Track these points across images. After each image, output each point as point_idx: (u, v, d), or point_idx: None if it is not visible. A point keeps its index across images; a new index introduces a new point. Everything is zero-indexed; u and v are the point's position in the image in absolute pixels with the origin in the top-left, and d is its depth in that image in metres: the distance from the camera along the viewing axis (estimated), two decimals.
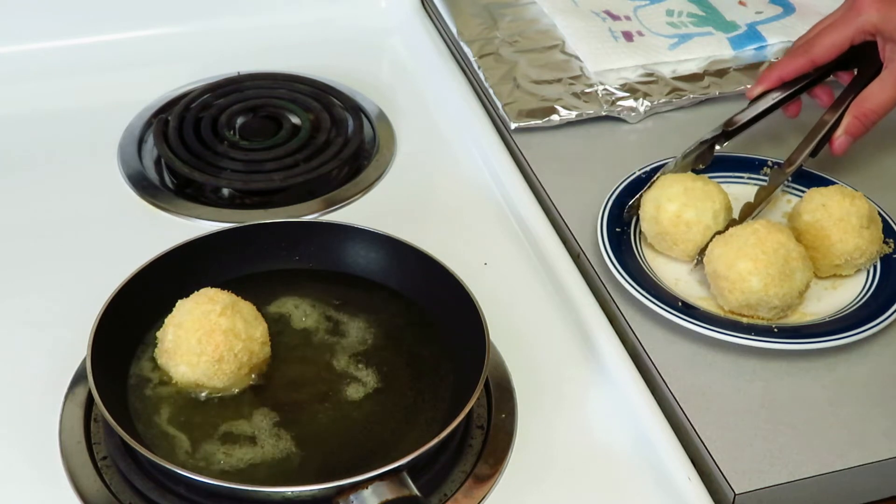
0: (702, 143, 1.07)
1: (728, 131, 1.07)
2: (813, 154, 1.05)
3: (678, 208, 0.97)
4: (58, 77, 1.23)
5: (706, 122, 1.10)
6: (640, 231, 1.02)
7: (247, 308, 0.88)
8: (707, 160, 1.07)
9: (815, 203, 0.97)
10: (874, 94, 1.03)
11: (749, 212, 1.01)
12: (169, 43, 1.28)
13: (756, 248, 0.91)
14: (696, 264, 0.98)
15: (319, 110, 1.18)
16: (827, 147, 1.06)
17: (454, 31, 1.28)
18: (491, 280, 0.99)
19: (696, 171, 1.06)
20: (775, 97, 1.07)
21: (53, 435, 0.85)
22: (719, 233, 0.96)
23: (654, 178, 1.02)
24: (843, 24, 1.04)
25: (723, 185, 1.07)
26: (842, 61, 1.07)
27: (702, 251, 0.97)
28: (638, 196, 1.01)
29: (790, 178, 1.05)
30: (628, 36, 1.25)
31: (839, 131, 1.04)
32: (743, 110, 1.08)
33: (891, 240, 1.00)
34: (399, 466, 0.78)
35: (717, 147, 1.07)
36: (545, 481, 0.85)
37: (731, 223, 0.98)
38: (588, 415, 0.90)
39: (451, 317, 0.91)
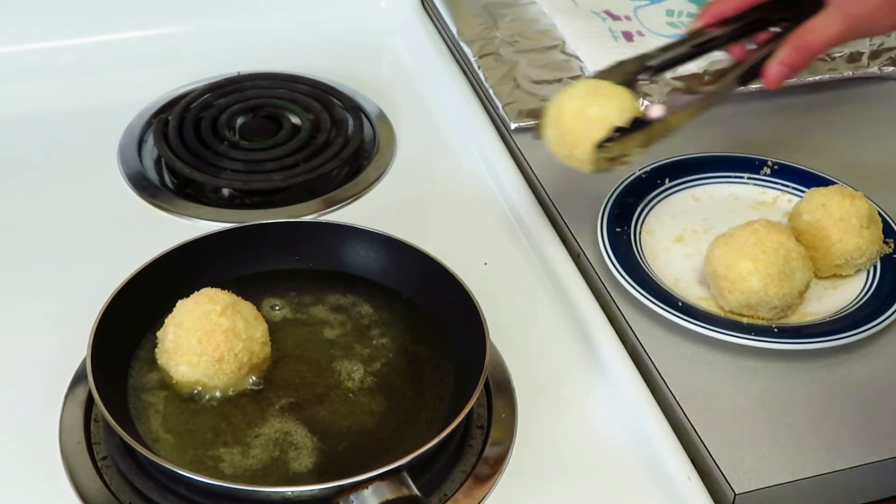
0: (620, 63, 0.96)
1: (653, 65, 0.96)
2: (743, 81, 0.95)
3: (580, 104, 0.91)
4: (58, 77, 1.23)
5: (706, 122, 1.10)
6: (641, 231, 1.02)
7: (247, 308, 0.88)
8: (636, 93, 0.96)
9: (815, 203, 0.97)
10: (817, 27, 0.93)
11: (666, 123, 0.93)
12: (169, 43, 1.29)
13: (756, 248, 0.91)
14: (595, 164, 0.91)
15: (319, 110, 1.18)
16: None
17: (454, 31, 1.28)
18: (491, 280, 0.99)
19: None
20: (713, 34, 0.96)
21: (53, 435, 0.85)
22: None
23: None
24: None
25: (723, 185, 1.08)
26: (785, 5, 0.97)
27: (600, 146, 0.90)
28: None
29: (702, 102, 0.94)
30: (628, 36, 1.25)
31: (773, 60, 0.94)
32: (674, 44, 0.97)
33: (891, 240, 1.00)
34: (399, 466, 0.78)
35: (647, 81, 0.99)
36: (545, 481, 0.85)
37: (635, 123, 0.91)
38: (588, 415, 0.90)
39: (451, 317, 0.91)
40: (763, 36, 0.98)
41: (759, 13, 0.98)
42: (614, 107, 0.90)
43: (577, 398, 0.92)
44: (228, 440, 0.84)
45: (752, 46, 0.97)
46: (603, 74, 0.95)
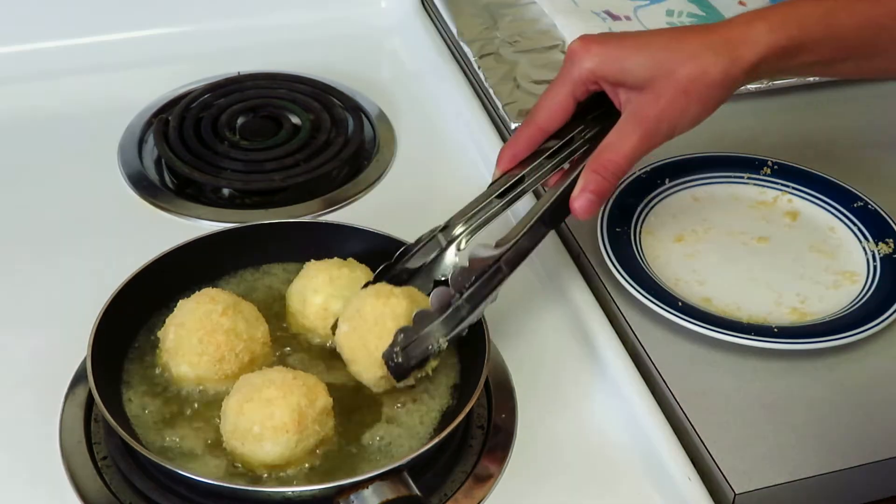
0: (417, 252, 0.88)
1: (463, 233, 0.88)
2: (548, 223, 0.88)
3: (324, 300, 0.88)
4: (58, 77, 1.23)
5: (706, 122, 1.10)
6: (641, 231, 1.02)
7: (248, 308, 0.88)
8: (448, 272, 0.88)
9: (351, 309, 0.86)
10: (613, 144, 0.86)
11: None
12: (169, 43, 1.28)
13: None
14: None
15: (319, 110, 1.18)
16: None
17: (454, 31, 1.28)
18: None
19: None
20: (517, 176, 0.89)
21: (53, 435, 0.85)
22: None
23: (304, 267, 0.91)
24: (560, 82, 0.89)
25: (723, 185, 1.07)
26: (601, 111, 0.90)
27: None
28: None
29: (508, 266, 0.86)
30: None
31: (576, 190, 0.86)
32: (478, 200, 0.90)
33: (891, 240, 1.00)
34: (399, 466, 0.78)
35: (459, 250, 0.88)
36: (545, 481, 0.85)
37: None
38: (588, 414, 0.90)
39: None
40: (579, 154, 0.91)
41: (560, 135, 0.91)
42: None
43: (577, 398, 0.92)
44: None
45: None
46: (397, 274, 0.89)
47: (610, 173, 0.86)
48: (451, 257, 0.89)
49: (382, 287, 0.86)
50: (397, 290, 0.85)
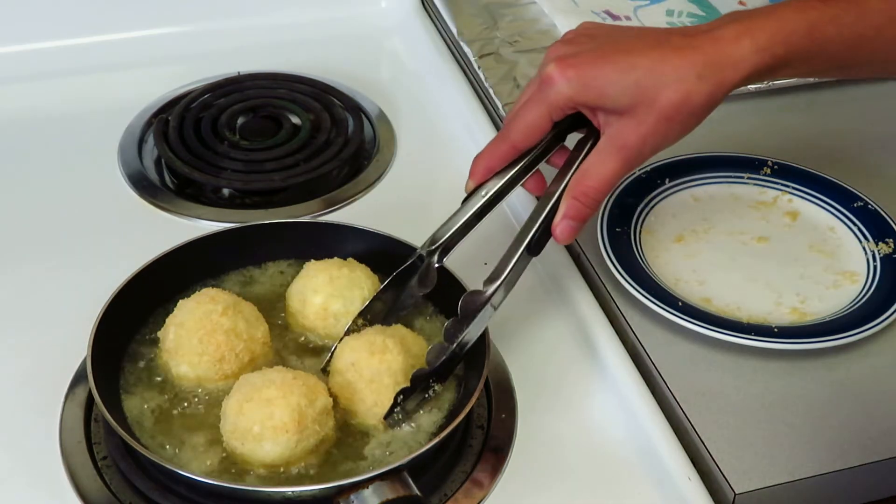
0: (401, 272, 0.90)
1: (440, 247, 0.89)
2: (533, 251, 0.88)
3: (324, 300, 0.89)
4: (58, 77, 1.23)
5: (706, 122, 1.10)
6: (641, 231, 1.02)
7: (248, 308, 0.88)
8: (428, 285, 0.90)
9: (345, 361, 0.85)
10: (593, 168, 0.86)
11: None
12: (169, 43, 1.29)
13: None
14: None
15: (319, 110, 1.18)
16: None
17: (454, 31, 1.28)
18: None
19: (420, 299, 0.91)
20: (494, 188, 0.90)
21: (53, 435, 0.85)
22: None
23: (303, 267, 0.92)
24: (535, 102, 0.87)
25: (723, 185, 1.07)
26: (573, 121, 0.89)
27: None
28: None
29: (495, 305, 0.86)
30: None
31: (557, 217, 0.87)
32: (455, 214, 0.90)
33: (890, 240, 1.00)
34: (399, 466, 0.78)
35: (436, 265, 0.89)
36: (545, 481, 0.85)
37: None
38: (588, 415, 0.90)
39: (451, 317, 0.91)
40: (558, 159, 0.91)
41: (537, 148, 0.90)
42: (358, 298, 0.89)
43: (577, 398, 0.92)
44: None
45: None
46: (378, 310, 0.90)
47: (590, 199, 0.86)
48: (431, 273, 0.90)
49: (375, 339, 0.85)
50: (390, 340, 0.85)
